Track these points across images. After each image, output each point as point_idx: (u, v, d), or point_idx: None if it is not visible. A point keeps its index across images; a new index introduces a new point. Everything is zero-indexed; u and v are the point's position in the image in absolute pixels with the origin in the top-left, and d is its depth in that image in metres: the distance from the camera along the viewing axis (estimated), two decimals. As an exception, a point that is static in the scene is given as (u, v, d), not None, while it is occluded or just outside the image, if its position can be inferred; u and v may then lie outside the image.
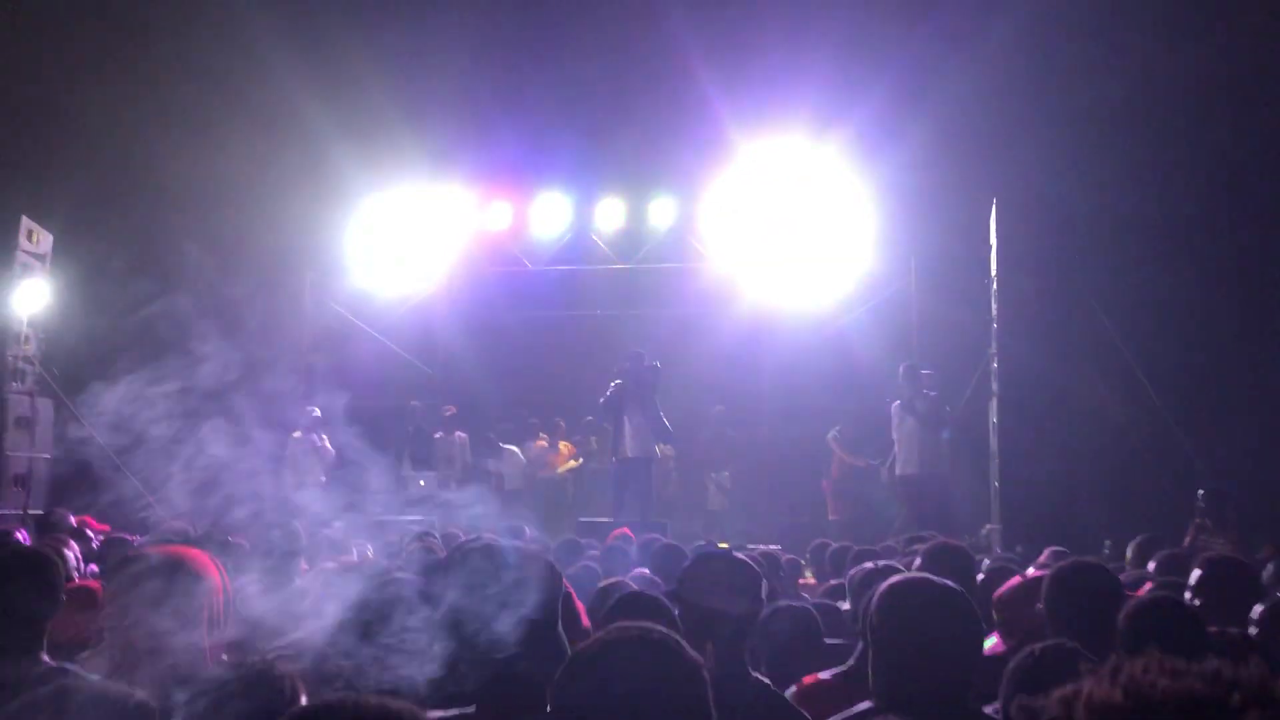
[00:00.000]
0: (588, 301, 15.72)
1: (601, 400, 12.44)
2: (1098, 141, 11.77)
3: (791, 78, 13.80)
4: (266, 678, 2.21)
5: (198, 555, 2.84)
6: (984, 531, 11.52)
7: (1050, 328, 10.99)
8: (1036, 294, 11.17)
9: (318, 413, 14.35)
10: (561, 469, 15.39)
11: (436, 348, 16.36)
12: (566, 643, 2.73)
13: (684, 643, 1.95)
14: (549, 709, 1.94)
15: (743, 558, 3.51)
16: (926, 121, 13.06)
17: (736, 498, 14.48)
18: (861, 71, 13.44)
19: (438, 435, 15.29)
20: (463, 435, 15.43)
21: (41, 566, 3.27)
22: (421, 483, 14.50)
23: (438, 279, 15.74)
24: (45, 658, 3.12)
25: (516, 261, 15.62)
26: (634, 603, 3.59)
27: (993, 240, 11.84)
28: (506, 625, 2.62)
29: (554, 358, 15.58)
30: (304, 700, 2.20)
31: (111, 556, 6.31)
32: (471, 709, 2.60)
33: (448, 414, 15.37)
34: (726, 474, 14.72)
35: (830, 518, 13.15)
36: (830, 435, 13.54)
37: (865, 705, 2.80)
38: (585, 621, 3.80)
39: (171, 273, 14.02)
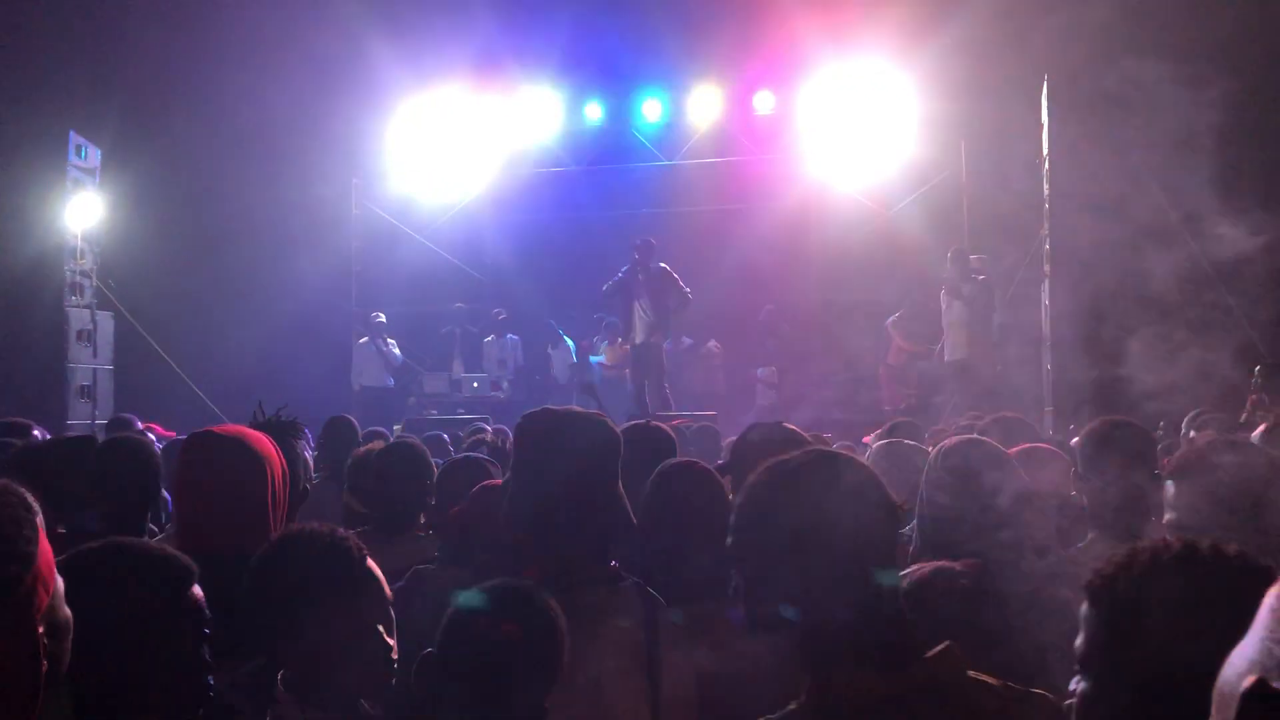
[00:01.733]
0: (631, 200, 15.57)
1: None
2: (1153, 12, 11.36)
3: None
4: (331, 539, 2.23)
5: (260, 436, 2.90)
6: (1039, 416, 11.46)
7: (1103, 207, 10.70)
8: (1090, 173, 10.89)
9: (382, 318, 14.50)
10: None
11: (482, 251, 16.32)
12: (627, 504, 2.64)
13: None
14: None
15: (791, 427, 3.58)
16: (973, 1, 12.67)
17: (785, 393, 14.40)
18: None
19: (489, 339, 15.31)
20: (514, 338, 15.51)
21: (142, 450, 3.63)
22: (474, 384, 14.63)
23: (481, 182, 15.64)
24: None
25: (560, 162, 15.50)
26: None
27: (1044, 119, 11.56)
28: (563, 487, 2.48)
29: (598, 258, 15.16)
30: (370, 563, 2.24)
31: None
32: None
33: (500, 317, 15.44)
34: (773, 368, 14.67)
35: (886, 406, 13.03)
36: (889, 321, 13.43)
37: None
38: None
39: (218, 182, 14.66)
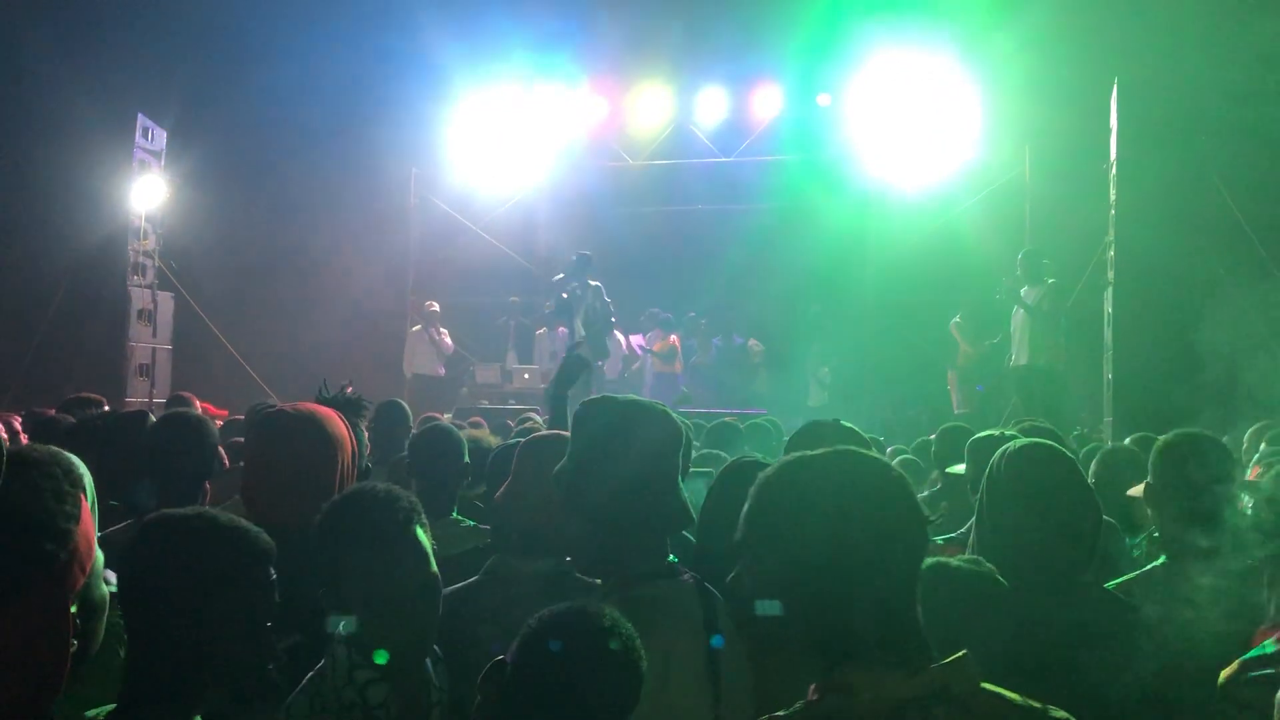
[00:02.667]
0: (688, 196, 15.46)
1: (549, 306, 12.47)
2: (1226, 16, 11.06)
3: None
4: (388, 495, 2.30)
5: (331, 413, 2.91)
6: (1099, 425, 11.22)
7: (1172, 214, 10.43)
8: (1158, 178, 10.62)
9: (435, 307, 14.60)
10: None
11: (538, 243, 16.30)
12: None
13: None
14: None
15: (850, 425, 3.50)
16: (1043, 1, 12.44)
17: (838, 393, 14.24)
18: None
19: (540, 331, 15.32)
20: (565, 330, 15.48)
21: (200, 426, 3.68)
22: (526, 376, 14.68)
23: (539, 175, 15.67)
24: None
25: (617, 157, 15.47)
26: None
27: (1113, 123, 11.30)
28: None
29: (654, 253, 15.39)
30: (421, 518, 2.32)
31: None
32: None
33: (549, 309, 15.42)
34: (826, 369, 14.51)
35: (956, 410, 12.73)
36: (952, 322, 13.16)
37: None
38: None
39: (279, 167, 14.86)
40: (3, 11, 13.00)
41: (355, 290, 14.38)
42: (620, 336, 15.31)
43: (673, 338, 14.81)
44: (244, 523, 1.99)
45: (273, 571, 1.96)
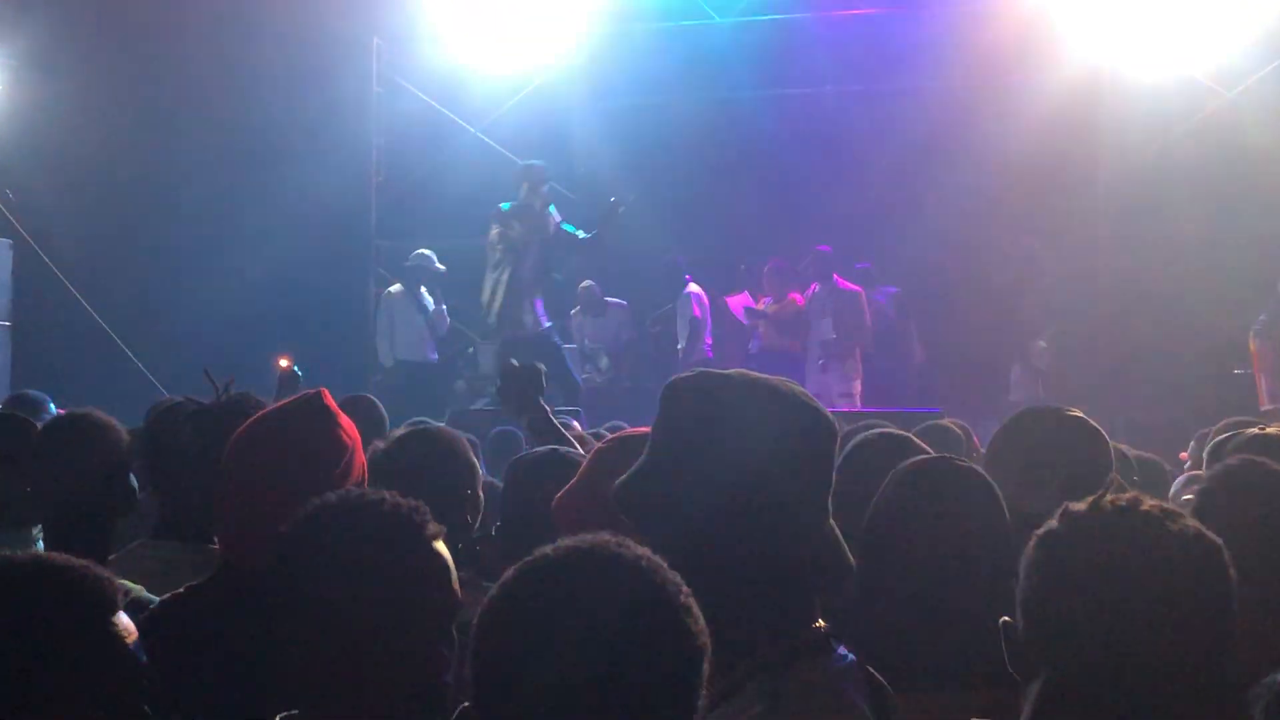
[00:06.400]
0: (800, 73, 11.21)
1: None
2: None
3: None
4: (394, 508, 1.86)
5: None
6: None
7: None
8: None
9: (429, 256, 11.03)
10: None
11: (569, 154, 12.17)
12: None
13: None
14: None
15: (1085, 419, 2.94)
16: None
17: (1058, 382, 9.85)
18: None
19: (574, 311, 11.37)
20: (619, 302, 11.54)
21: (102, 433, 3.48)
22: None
23: (565, 48, 11.55)
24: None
25: (694, 12, 11.05)
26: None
27: None
28: None
29: (754, 161, 11.40)
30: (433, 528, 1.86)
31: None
32: None
33: (583, 286, 11.39)
34: (1041, 344, 10.07)
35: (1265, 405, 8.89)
36: (1253, 331, 9.16)
37: None
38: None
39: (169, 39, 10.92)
40: None
41: (292, 233, 10.74)
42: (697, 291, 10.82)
43: (793, 295, 10.26)
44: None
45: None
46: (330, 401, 2.39)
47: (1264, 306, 9.14)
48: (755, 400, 1.73)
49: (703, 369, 1.84)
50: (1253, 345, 9.12)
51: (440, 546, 1.78)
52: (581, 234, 9.33)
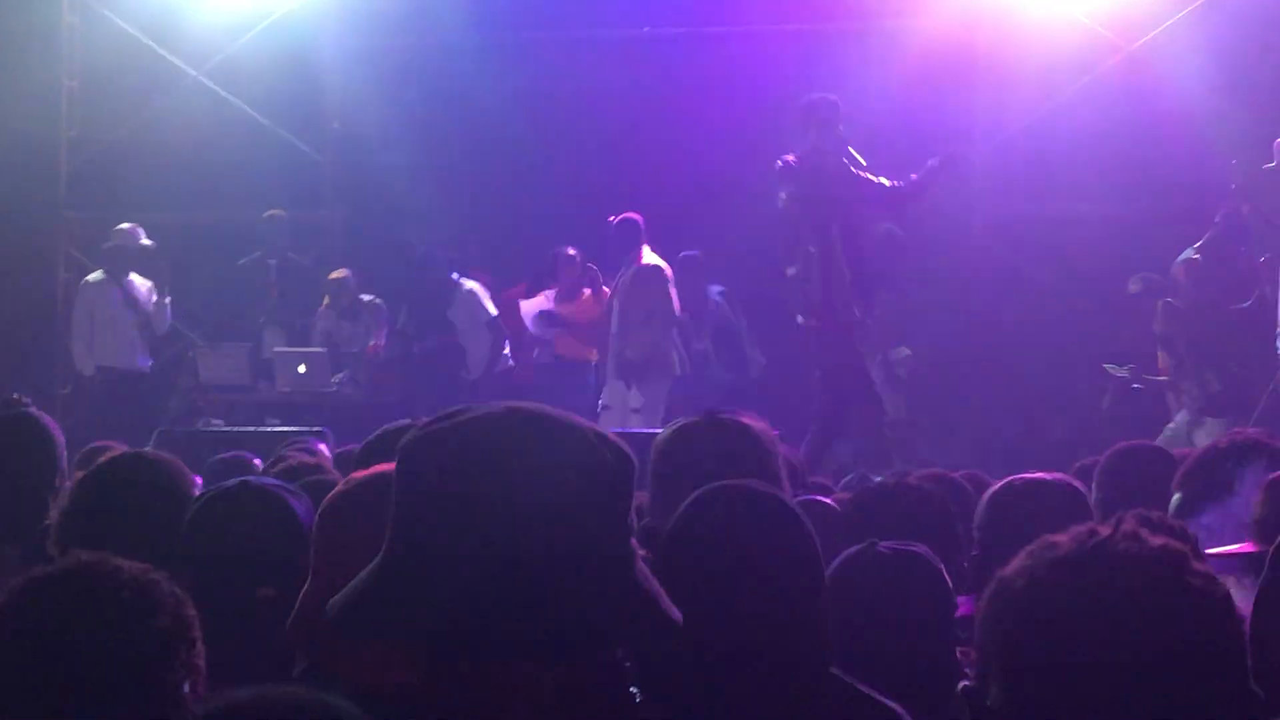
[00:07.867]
0: (625, 14, 9.58)
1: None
2: None
3: None
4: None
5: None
6: None
7: None
8: None
9: (140, 238, 9.52)
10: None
11: (318, 106, 10.38)
12: None
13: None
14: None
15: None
16: None
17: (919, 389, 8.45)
18: None
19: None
20: (378, 301, 9.82)
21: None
22: (302, 368, 9.77)
23: None
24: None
25: None
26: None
27: None
28: None
29: (555, 123, 9.75)
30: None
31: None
32: None
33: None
34: (905, 350, 8.38)
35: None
36: (1179, 261, 7.71)
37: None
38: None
39: None
40: None
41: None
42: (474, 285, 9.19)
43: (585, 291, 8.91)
44: None
45: None
46: None
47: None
48: (512, 453, 1.56)
49: (435, 422, 1.56)
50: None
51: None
52: None
